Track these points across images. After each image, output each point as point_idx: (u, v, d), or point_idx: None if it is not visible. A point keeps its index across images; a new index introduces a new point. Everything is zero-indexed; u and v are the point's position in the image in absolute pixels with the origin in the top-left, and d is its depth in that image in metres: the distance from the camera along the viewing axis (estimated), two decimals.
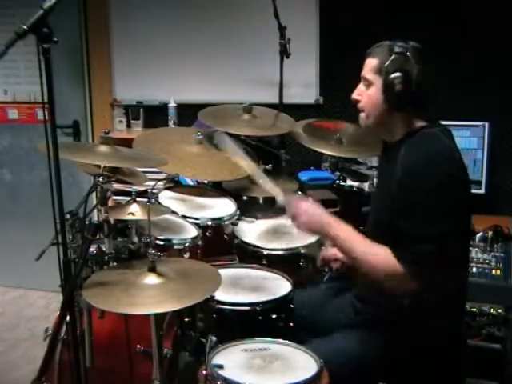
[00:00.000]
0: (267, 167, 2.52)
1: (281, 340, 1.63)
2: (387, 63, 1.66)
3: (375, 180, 2.43)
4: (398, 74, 1.64)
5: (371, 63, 1.71)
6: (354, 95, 1.78)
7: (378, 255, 1.62)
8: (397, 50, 1.66)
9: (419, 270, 1.56)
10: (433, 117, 1.74)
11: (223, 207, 2.37)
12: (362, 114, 1.77)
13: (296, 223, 1.77)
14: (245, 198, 2.49)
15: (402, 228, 1.60)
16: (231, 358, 1.54)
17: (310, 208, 1.76)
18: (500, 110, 2.89)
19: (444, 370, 1.70)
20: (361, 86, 1.77)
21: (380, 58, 1.68)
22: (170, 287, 1.54)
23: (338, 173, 2.83)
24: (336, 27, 3.14)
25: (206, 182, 2.57)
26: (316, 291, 2.09)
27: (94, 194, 1.73)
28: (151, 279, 1.56)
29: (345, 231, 1.69)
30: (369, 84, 1.72)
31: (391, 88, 1.65)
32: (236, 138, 2.55)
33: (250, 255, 2.19)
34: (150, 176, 2.21)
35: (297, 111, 2.93)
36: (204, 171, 2.33)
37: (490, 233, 2.57)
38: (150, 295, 1.52)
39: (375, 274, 1.62)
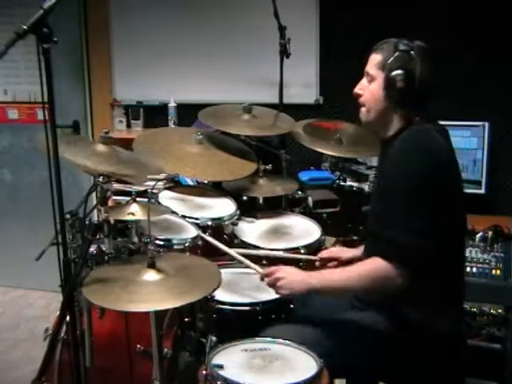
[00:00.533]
0: (267, 167, 2.52)
1: (281, 340, 1.63)
2: (390, 60, 1.67)
3: (375, 179, 2.42)
4: (399, 71, 1.65)
5: (375, 59, 1.73)
6: (356, 89, 1.79)
7: (363, 271, 1.64)
8: (401, 47, 1.67)
9: (403, 259, 1.58)
10: (432, 116, 1.74)
11: (223, 207, 2.37)
12: (363, 109, 1.78)
13: (277, 289, 1.72)
14: (245, 198, 2.49)
15: (380, 217, 1.65)
16: (231, 358, 1.54)
17: (287, 272, 1.73)
18: (500, 110, 2.89)
19: (444, 370, 1.70)
20: (363, 81, 1.78)
21: (384, 55, 1.70)
22: (170, 284, 1.54)
23: (337, 173, 2.83)
24: (336, 27, 3.14)
25: (205, 181, 2.57)
26: None
27: (94, 194, 1.73)
28: (151, 275, 1.56)
29: (326, 274, 1.73)
30: (371, 79, 1.74)
31: (392, 84, 1.66)
32: (236, 137, 2.56)
33: (250, 255, 2.18)
34: (150, 176, 2.21)
35: (297, 111, 2.92)
36: (204, 171, 2.33)
37: (490, 233, 2.56)
38: (150, 292, 1.52)
39: (371, 287, 1.63)
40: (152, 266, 1.57)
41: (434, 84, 1.69)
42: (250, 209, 2.46)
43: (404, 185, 1.61)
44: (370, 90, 1.74)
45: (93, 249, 1.74)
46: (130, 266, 1.65)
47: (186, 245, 2.04)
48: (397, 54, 1.67)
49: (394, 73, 1.65)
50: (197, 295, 1.53)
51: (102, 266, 1.75)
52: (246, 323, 1.77)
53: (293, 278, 1.70)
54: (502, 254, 2.46)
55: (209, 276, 1.65)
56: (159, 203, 2.22)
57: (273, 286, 1.72)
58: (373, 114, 1.75)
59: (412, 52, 1.66)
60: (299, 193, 2.63)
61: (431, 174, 1.61)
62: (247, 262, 1.89)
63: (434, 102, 1.73)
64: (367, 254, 1.74)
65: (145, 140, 2.47)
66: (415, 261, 1.59)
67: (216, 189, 2.51)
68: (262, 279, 1.77)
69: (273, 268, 1.76)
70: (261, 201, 2.53)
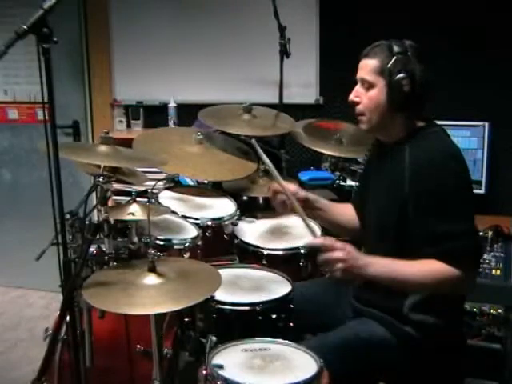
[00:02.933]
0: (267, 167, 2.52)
1: (281, 340, 1.63)
2: (390, 64, 1.63)
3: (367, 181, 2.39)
4: (403, 74, 1.62)
5: (371, 64, 1.68)
6: (352, 97, 1.74)
7: (428, 271, 1.58)
8: (397, 49, 1.64)
9: (466, 262, 1.57)
10: (430, 116, 1.74)
11: (223, 207, 2.37)
12: (363, 118, 1.74)
13: (332, 270, 1.59)
14: (245, 198, 2.49)
15: (430, 227, 1.59)
16: (231, 358, 1.53)
17: (351, 256, 1.59)
18: (500, 110, 2.89)
19: (444, 369, 1.70)
20: (359, 88, 1.74)
21: (380, 59, 1.66)
22: (170, 287, 1.54)
23: (337, 173, 2.83)
24: (336, 27, 3.14)
25: (205, 182, 2.57)
26: (315, 286, 2.08)
27: (93, 193, 1.73)
28: (151, 279, 1.56)
29: (386, 265, 1.62)
30: (370, 86, 1.69)
31: (398, 89, 1.63)
32: (236, 137, 2.56)
33: (250, 255, 2.18)
34: (150, 176, 2.21)
35: (297, 111, 2.93)
36: (204, 171, 2.33)
37: (490, 233, 2.57)
38: (149, 295, 1.52)
39: (435, 289, 1.60)
40: (152, 269, 1.57)
41: (432, 83, 1.68)
42: (250, 209, 2.46)
43: (453, 187, 1.59)
44: (369, 96, 1.70)
45: (93, 249, 1.74)
46: (131, 269, 1.64)
47: (186, 245, 2.04)
48: (394, 57, 1.63)
49: (398, 77, 1.62)
50: (196, 299, 1.53)
51: (103, 268, 1.75)
52: (246, 323, 1.76)
53: (355, 264, 1.57)
54: (502, 254, 2.46)
55: (209, 280, 1.65)
56: (159, 203, 2.22)
57: (329, 264, 1.58)
58: (375, 121, 1.71)
59: (409, 53, 1.64)
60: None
61: (466, 173, 1.65)
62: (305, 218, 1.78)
63: (435, 102, 1.72)
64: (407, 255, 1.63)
65: (145, 140, 2.47)
66: (479, 260, 1.63)
67: (216, 189, 2.52)
68: (317, 249, 1.61)
69: (334, 243, 1.59)
70: (261, 201, 2.53)
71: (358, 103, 1.74)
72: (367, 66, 1.70)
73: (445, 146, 1.66)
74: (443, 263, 1.56)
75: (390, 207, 1.71)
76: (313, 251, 2.12)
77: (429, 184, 1.60)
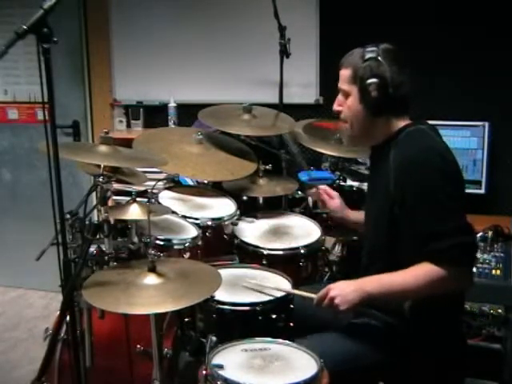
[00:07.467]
0: (267, 167, 2.52)
1: (281, 340, 1.63)
2: (360, 71, 1.66)
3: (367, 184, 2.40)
4: (371, 80, 1.64)
5: (345, 74, 1.72)
6: (335, 107, 1.79)
7: (419, 276, 1.58)
8: (367, 55, 1.66)
9: (459, 262, 1.56)
10: (417, 116, 1.74)
11: (223, 207, 2.37)
12: (346, 125, 1.77)
13: (336, 308, 1.63)
14: (245, 198, 2.49)
15: (417, 227, 1.59)
16: (231, 358, 1.53)
17: (338, 287, 1.65)
18: (500, 110, 2.89)
19: (444, 369, 1.70)
20: (340, 97, 1.77)
21: (352, 67, 1.69)
22: (170, 287, 1.55)
23: (338, 173, 2.82)
24: (336, 27, 3.14)
25: (205, 182, 2.57)
26: (316, 290, 2.08)
27: (94, 193, 1.73)
28: (151, 279, 1.56)
29: (379, 281, 1.64)
30: (346, 95, 1.73)
31: (367, 95, 1.65)
32: (236, 137, 2.56)
33: (250, 255, 2.18)
34: (150, 176, 2.21)
35: (297, 111, 2.92)
36: (204, 171, 2.33)
37: (490, 233, 2.57)
38: (149, 295, 1.52)
39: (429, 291, 1.59)
40: (152, 269, 1.57)
41: (409, 83, 1.67)
42: (250, 209, 2.46)
43: (438, 185, 1.58)
44: (347, 105, 1.74)
45: (93, 249, 1.74)
46: (131, 269, 1.65)
47: (186, 245, 2.04)
48: (364, 63, 1.66)
49: (366, 83, 1.64)
50: (196, 299, 1.54)
51: (104, 268, 1.75)
52: (246, 323, 1.76)
53: (346, 291, 1.63)
54: (502, 254, 2.46)
55: (208, 280, 1.65)
56: (159, 203, 2.22)
57: (331, 307, 1.65)
58: (356, 127, 1.75)
59: (379, 57, 1.65)
60: (299, 193, 2.63)
61: (454, 171, 1.64)
62: (299, 292, 1.82)
63: (436, 102, 1.72)
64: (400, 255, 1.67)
65: (145, 140, 2.47)
66: (470, 257, 1.61)
67: (216, 189, 2.51)
68: (318, 305, 1.69)
69: (323, 290, 1.67)
70: (261, 201, 2.53)
71: (340, 112, 1.78)
72: (343, 76, 1.74)
73: (427, 142, 1.65)
74: (433, 265, 1.56)
75: (381, 208, 1.72)
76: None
77: (412, 182, 1.60)
